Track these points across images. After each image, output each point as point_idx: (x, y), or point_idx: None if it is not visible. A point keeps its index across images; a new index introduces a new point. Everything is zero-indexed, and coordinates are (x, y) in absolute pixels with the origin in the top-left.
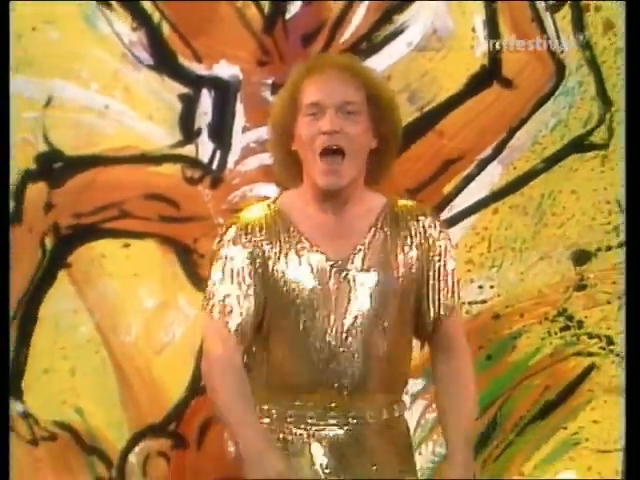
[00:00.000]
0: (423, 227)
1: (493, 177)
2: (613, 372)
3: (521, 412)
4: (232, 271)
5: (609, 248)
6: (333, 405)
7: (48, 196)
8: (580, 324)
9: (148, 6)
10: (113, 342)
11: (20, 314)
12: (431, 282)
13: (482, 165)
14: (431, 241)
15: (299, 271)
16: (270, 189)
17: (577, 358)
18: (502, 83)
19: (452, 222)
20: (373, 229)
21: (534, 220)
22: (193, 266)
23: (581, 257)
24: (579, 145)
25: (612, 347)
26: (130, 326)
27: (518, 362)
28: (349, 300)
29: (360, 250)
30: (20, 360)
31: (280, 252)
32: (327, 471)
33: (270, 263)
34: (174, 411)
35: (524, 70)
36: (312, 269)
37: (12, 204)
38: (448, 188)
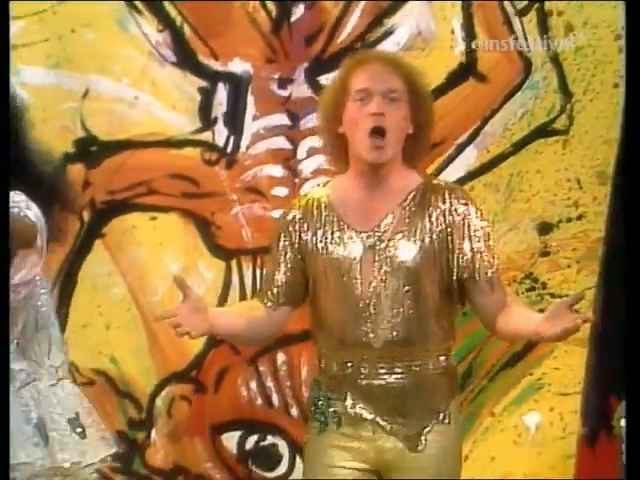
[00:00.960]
0: (450, 203)
1: (469, 159)
2: None
3: (492, 361)
4: (278, 246)
5: (569, 220)
6: (365, 358)
7: (85, 175)
8: (544, 285)
9: (172, 10)
10: (142, 301)
11: (61, 277)
12: (465, 246)
13: (460, 149)
14: (457, 211)
15: (332, 244)
16: (277, 170)
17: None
18: (477, 78)
19: None
20: (404, 203)
21: (504, 196)
22: (211, 236)
23: (545, 228)
24: (543, 131)
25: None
26: (157, 287)
27: None
28: (375, 267)
29: (389, 222)
30: (62, 316)
31: (318, 229)
32: (361, 412)
33: (307, 235)
34: (194, 361)
35: (496, 67)
36: (342, 239)
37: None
38: (431, 168)
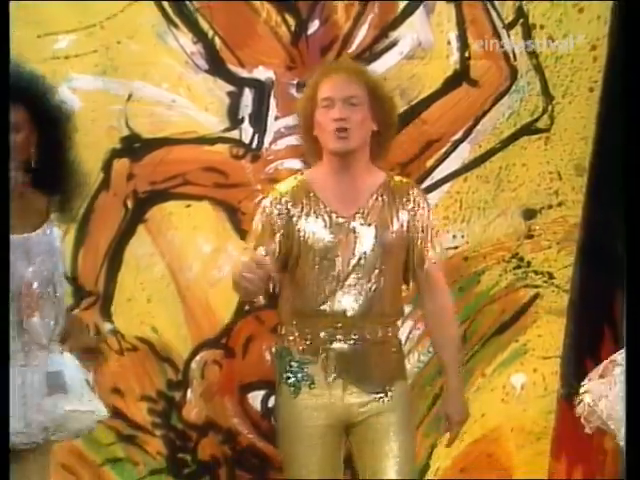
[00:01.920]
0: (413, 197)
1: (463, 154)
2: (553, 299)
3: (484, 330)
4: (264, 223)
5: (550, 207)
6: (339, 325)
7: (130, 169)
8: (528, 264)
9: (204, 25)
10: (179, 278)
11: (109, 257)
12: (418, 237)
13: (455, 145)
14: (418, 208)
15: (315, 225)
16: (295, 163)
17: (526, 289)
18: (470, 83)
19: (433, 188)
20: (375, 195)
21: (494, 186)
22: (238, 221)
23: (529, 214)
24: (527, 130)
25: (552, 281)
26: (191, 266)
27: (482, 292)
28: (353, 248)
29: (363, 210)
30: (109, 291)
31: (302, 211)
32: (334, 375)
33: (294, 219)
34: (224, 329)
35: (486, 73)
36: (325, 224)
37: (101, 175)
38: (430, 162)
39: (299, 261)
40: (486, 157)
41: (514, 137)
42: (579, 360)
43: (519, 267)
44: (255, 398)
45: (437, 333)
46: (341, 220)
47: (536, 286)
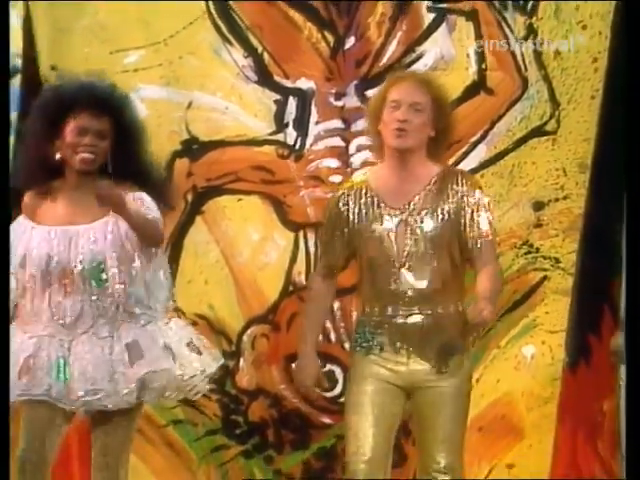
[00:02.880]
0: (462, 187)
1: (481, 153)
2: (559, 281)
3: (498, 307)
4: (328, 225)
5: (557, 200)
6: (401, 303)
7: (189, 167)
8: (537, 250)
9: (254, 42)
10: (232, 262)
11: (171, 244)
12: (469, 227)
13: (473, 145)
14: (467, 197)
15: (371, 218)
16: (333, 162)
17: (535, 272)
18: (486, 92)
19: None
20: (427, 187)
21: (507, 182)
22: (283, 213)
23: (538, 206)
24: (537, 132)
25: (559, 265)
26: (242, 252)
27: None
28: (405, 236)
29: (413, 203)
30: (172, 274)
31: (360, 207)
32: (399, 344)
33: (352, 214)
34: (272, 307)
35: (501, 83)
36: (379, 217)
37: (165, 173)
38: (452, 160)
39: (363, 250)
40: (500, 156)
41: (525, 139)
42: (581, 334)
43: (529, 253)
44: None
45: (492, 287)
46: (393, 212)
47: (544, 269)
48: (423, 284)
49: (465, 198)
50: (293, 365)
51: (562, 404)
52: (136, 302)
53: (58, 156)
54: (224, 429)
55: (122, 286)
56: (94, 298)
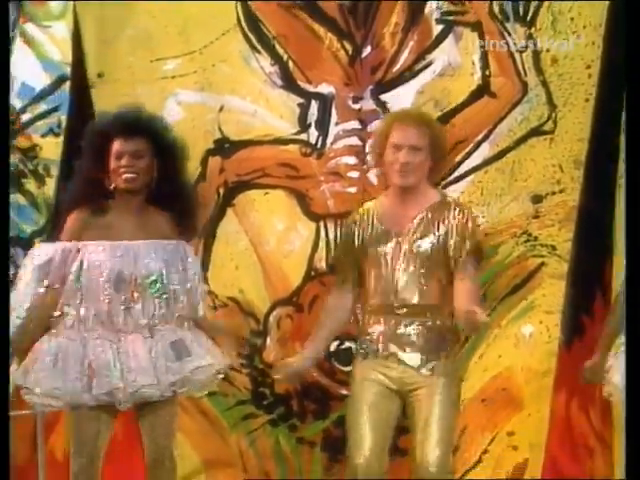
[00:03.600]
0: (454, 215)
1: (484, 152)
2: (555, 266)
3: (500, 290)
4: (340, 245)
5: (554, 193)
6: (396, 314)
7: (221, 164)
8: (536, 238)
9: (280, 50)
10: (259, 250)
11: (205, 234)
12: (453, 250)
13: (478, 144)
14: (458, 224)
15: (373, 241)
16: (351, 159)
17: (533, 258)
18: (490, 95)
19: (460, 179)
20: (424, 213)
21: (508, 177)
22: (306, 205)
23: (536, 198)
24: (536, 132)
25: (555, 252)
26: (269, 240)
27: (498, 261)
28: (402, 257)
29: (412, 227)
30: (206, 261)
31: (364, 232)
32: (393, 350)
33: (361, 239)
34: (295, 290)
35: (503, 87)
36: (380, 240)
37: (199, 169)
38: (458, 158)
39: (368, 270)
40: (502, 154)
41: (525, 138)
42: (575, 315)
43: (528, 241)
44: None
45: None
46: (392, 237)
47: (542, 256)
48: (415, 299)
49: (454, 223)
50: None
51: (558, 377)
52: (179, 308)
53: (112, 185)
54: (253, 400)
55: (169, 296)
56: (146, 305)
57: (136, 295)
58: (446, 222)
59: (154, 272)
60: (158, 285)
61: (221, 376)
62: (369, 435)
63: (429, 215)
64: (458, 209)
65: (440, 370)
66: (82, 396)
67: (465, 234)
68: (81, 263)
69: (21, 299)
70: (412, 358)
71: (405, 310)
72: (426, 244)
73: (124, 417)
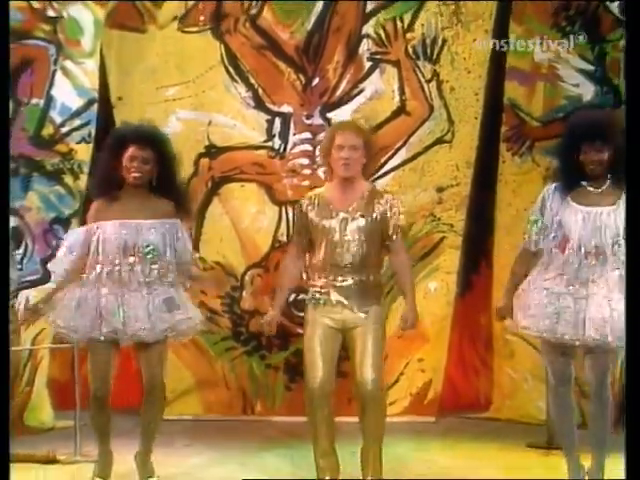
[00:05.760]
0: (385, 200)
1: (402, 155)
2: (453, 239)
3: (413, 257)
4: (295, 220)
5: (452, 186)
6: (340, 272)
7: (209, 164)
8: (439, 219)
9: (252, 80)
10: (237, 227)
11: (198, 215)
12: (390, 228)
13: (397, 150)
14: (389, 206)
15: (323, 217)
16: (305, 160)
17: (438, 234)
18: (406, 114)
19: (384, 175)
20: (361, 198)
21: (419, 174)
22: (271, 194)
23: (440, 190)
24: (439, 141)
25: (452, 229)
26: (245, 220)
27: (412, 235)
28: (346, 230)
29: (353, 207)
30: (198, 235)
31: (315, 210)
32: (337, 299)
33: (312, 214)
34: (264, 256)
35: (415, 109)
36: (329, 216)
37: (193, 168)
38: (383, 160)
39: (317, 239)
40: (415, 157)
41: (431, 145)
42: (467, 274)
43: (433, 221)
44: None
45: (400, 273)
46: (339, 213)
47: (443, 232)
48: (355, 260)
49: (385, 208)
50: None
51: (453, 320)
52: (170, 274)
53: (120, 175)
54: (233, 336)
55: (164, 262)
56: (145, 268)
57: (137, 260)
58: (378, 205)
59: (151, 244)
60: (154, 253)
61: (199, 328)
62: (320, 363)
63: (365, 199)
64: (386, 195)
65: (372, 314)
66: (93, 332)
67: (393, 213)
68: (98, 237)
69: (59, 264)
70: (351, 305)
71: (346, 268)
72: (363, 220)
73: (128, 353)
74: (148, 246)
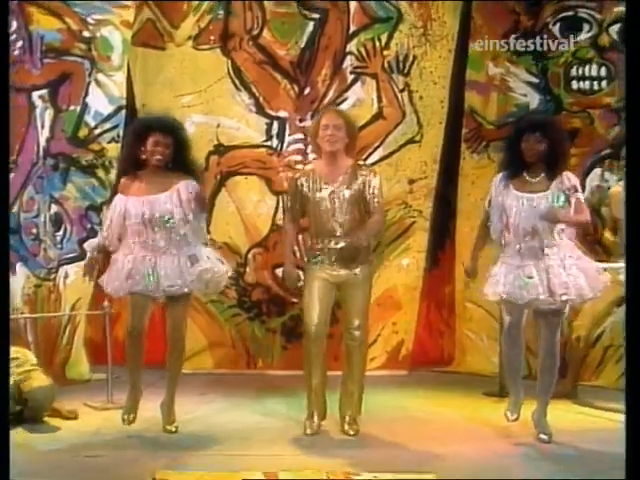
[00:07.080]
0: (367, 173)
1: (380, 153)
2: (422, 224)
3: (389, 238)
4: (289, 192)
5: (421, 178)
6: (333, 237)
7: (218, 160)
8: (410, 206)
9: (254, 89)
10: (242, 213)
11: (208, 203)
12: (369, 195)
13: (375, 148)
14: (369, 177)
15: (314, 190)
16: (299, 157)
17: (409, 218)
18: (383, 119)
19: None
20: (346, 172)
21: (394, 168)
22: (271, 185)
23: (411, 182)
24: (410, 141)
25: (422, 214)
26: (248, 207)
27: (388, 220)
28: (335, 200)
29: (340, 180)
30: (209, 220)
31: (307, 183)
32: (332, 260)
33: (305, 188)
34: (264, 238)
35: (390, 114)
36: (319, 188)
37: (204, 164)
38: (363, 157)
39: (310, 209)
40: (390, 155)
41: (404, 145)
42: (434, 252)
43: (406, 208)
44: (279, 271)
45: (367, 225)
46: (327, 186)
47: (414, 217)
48: (345, 226)
49: (367, 179)
50: (280, 272)
51: (422, 291)
52: (189, 236)
53: (144, 157)
54: (238, 305)
55: (180, 228)
56: (166, 234)
57: (157, 228)
58: (361, 176)
59: (166, 214)
60: (171, 222)
61: (224, 277)
62: (317, 311)
63: (348, 173)
64: (368, 169)
65: (362, 272)
66: (132, 288)
67: (374, 184)
68: (125, 211)
69: (98, 238)
70: (343, 264)
71: (338, 233)
72: (349, 191)
73: (158, 311)
74: (165, 216)
